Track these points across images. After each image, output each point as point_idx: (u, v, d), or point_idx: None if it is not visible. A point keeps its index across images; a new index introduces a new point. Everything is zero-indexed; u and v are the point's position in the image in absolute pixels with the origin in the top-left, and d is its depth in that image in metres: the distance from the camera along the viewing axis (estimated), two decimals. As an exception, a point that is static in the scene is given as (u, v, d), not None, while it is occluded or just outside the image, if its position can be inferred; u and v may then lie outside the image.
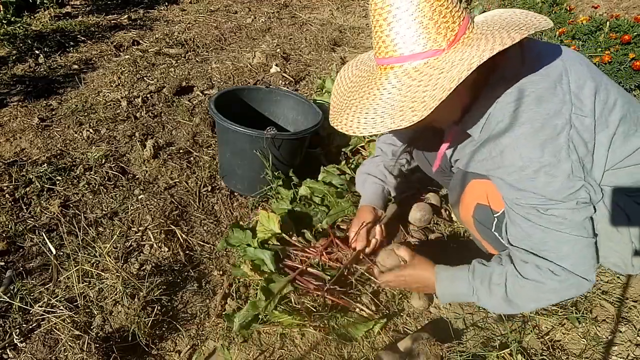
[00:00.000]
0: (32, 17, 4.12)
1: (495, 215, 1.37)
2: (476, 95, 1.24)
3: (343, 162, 2.24)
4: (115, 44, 3.69)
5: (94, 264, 1.63)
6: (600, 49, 3.12)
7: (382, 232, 1.71)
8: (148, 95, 2.90)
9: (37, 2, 4.18)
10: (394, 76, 1.12)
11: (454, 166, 1.51)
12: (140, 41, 3.82)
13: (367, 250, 1.69)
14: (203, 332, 1.48)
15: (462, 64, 1.03)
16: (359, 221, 1.67)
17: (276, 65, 3.45)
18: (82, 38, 3.79)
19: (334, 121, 1.21)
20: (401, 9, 1.06)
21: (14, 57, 3.28)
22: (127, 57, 3.49)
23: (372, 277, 1.61)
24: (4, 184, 2.03)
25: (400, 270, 1.47)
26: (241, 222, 1.91)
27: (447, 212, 2.02)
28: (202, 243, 1.84)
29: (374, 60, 1.28)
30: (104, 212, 1.93)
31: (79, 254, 1.63)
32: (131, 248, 1.77)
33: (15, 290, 1.53)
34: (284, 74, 3.31)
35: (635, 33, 3.11)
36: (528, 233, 1.23)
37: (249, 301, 1.46)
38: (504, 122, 1.17)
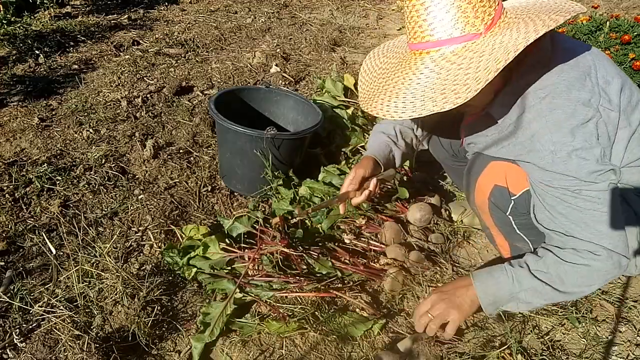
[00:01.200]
0: (32, 17, 4.12)
1: (512, 198, 1.36)
2: (507, 81, 1.24)
3: (343, 162, 2.24)
4: (115, 44, 3.69)
5: (94, 264, 1.63)
6: (600, 49, 3.12)
7: (377, 186, 1.64)
8: (148, 95, 2.90)
9: (37, 2, 4.18)
10: (430, 60, 1.11)
11: (468, 150, 1.50)
12: (140, 41, 3.82)
13: (357, 199, 1.61)
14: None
15: (505, 47, 1.03)
16: (358, 168, 1.61)
17: (276, 65, 3.45)
18: (82, 38, 3.79)
19: (367, 106, 1.19)
20: None
21: (14, 57, 3.28)
22: (127, 57, 3.49)
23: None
24: (4, 184, 2.03)
25: (436, 293, 1.40)
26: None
27: (447, 212, 2.02)
28: (202, 243, 1.84)
29: (402, 47, 1.27)
30: (104, 212, 1.93)
31: (79, 254, 1.63)
32: (131, 248, 1.77)
33: (15, 290, 1.53)
34: (284, 74, 3.31)
35: (635, 33, 3.11)
36: (564, 214, 1.21)
37: (192, 336, 1.42)
38: (534, 107, 1.18)
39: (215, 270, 1.62)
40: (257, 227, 1.78)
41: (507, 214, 1.40)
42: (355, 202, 1.62)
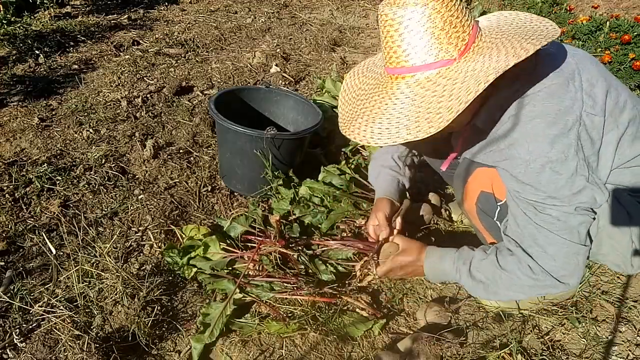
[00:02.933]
0: (32, 17, 4.12)
1: (498, 204, 1.38)
2: (487, 96, 1.24)
3: (343, 162, 2.24)
4: (115, 44, 3.70)
5: (94, 264, 1.63)
6: (600, 49, 3.12)
7: (402, 223, 1.67)
8: (148, 95, 2.90)
9: (37, 2, 4.18)
10: (405, 86, 1.12)
11: (462, 159, 1.51)
12: (140, 41, 3.82)
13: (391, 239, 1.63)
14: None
15: (477, 76, 1.04)
16: (378, 212, 1.63)
17: (276, 65, 3.45)
18: (82, 38, 3.79)
19: (345, 130, 1.21)
20: (413, 20, 1.07)
21: (14, 57, 3.28)
22: (127, 57, 3.49)
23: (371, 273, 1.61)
24: (4, 184, 2.03)
25: (395, 257, 1.50)
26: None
27: (447, 212, 2.02)
28: (202, 243, 1.84)
29: (380, 66, 1.28)
30: (104, 212, 1.93)
31: (79, 254, 1.63)
32: (131, 248, 1.77)
33: (15, 290, 1.53)
34: (284, 74, 3.31)
35: (635, 33, 3.11)
36: (521, 226, 1.25)
37: (192, 337, 1.41)
38: (516, 116, 1.18)
39: (216, 271, 1.62)
40: (255, 226, 1.78)
41: (495, 219, 1.41)
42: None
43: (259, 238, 1.72)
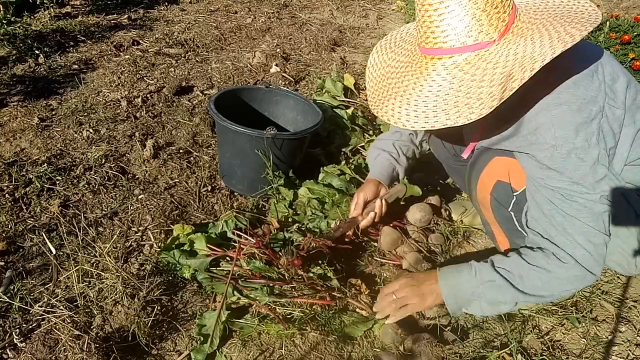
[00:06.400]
0: (32, 17, 4.11)
1: (514, 194, 1.36)
2: None
3: (343, 162, 2.24)
4: (115, 44, 3.69)
5: (94, 264, 1.63)
6: (600, 49, 3.12)
7: (382, 207, 1.67)
8: (148, 95, 2.90)
9: (37, 2, 4.18)
10: (442, 68, 1.09)
11: (477, 148, 1.49)
12: (140, 41, 3.82)
13: (363, 222, 1.67)
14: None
15: (521, 63, 1.00)
16: (360, 193, 1.66)
17: (276, 65, 3.45)
18: (82, 38, 3.78)
19: (376, 110, 1.18)
20: (454, 0, 1.04)
21: (14, 57, 3.28)
22: (127, 57, 3.49)
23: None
24: (4, 184, 2.03)
25: (406, 278, 1.42)
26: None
27: (447, 212, 2.02)
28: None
29: (411, 43, 1.24)
30: (104, 212, 1.93)
31: (79, 254, 1.63)
32: (131, 248, 1.77)
33: (15, 290, 1.53)
34: (284, 74, 3.31)
35: (635, 33, 3.11)
36: (548, 216, 1.21)
37: (193, 350, 1.38)
38: (540, 103, 1.17)
39: (197, 272, 1.61)
40: (247, 228, 1.76)
41: (509, 209, 1.40)
42: (362, 226, 1.68)
43: (245, 237, 1.70)
